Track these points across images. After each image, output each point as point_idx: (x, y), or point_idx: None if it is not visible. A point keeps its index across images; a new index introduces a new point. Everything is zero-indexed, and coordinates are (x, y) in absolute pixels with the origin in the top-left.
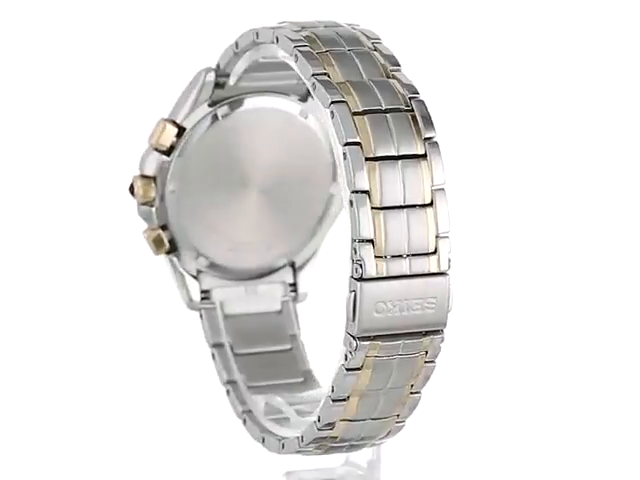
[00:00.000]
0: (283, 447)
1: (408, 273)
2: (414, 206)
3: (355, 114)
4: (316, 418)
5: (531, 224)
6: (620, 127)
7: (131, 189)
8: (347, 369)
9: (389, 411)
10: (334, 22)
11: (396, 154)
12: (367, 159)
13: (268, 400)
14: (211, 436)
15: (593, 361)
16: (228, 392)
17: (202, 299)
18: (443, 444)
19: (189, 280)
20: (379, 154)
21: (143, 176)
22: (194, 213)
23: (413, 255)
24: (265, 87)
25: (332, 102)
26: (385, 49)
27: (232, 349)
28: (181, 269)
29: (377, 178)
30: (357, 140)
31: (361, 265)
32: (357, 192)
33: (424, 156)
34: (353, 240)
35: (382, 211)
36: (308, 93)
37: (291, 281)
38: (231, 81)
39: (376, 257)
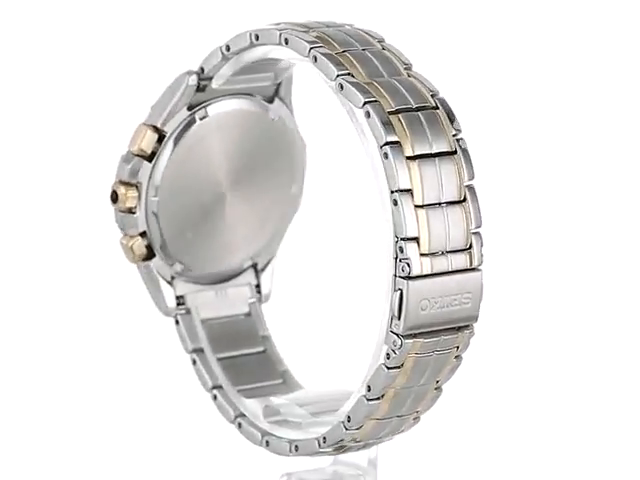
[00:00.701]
0: (296, 449)
1: (449, 269)
2: (451, 203)
3: (390, 113)
4: (344, 418)
5: (537, 221)
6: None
7: (114, 196)
8: (388, 367)
9: (413, 408)
10: (332, 22)
11: (432, 152)
12: (407, 158)
13: (268, 403)
14: (202, 442)
15: (608, 361)
16: (215, 397)
17: (177, 305)
18: (439, 442)
19: (164, 286)
20: (417, 152)
21: (126, 183)
22: (174, 219)
23: (452, 251)
24: (239, 89)
25: (366, 102)
26: (393, 48)
27: (214, 353)
28: (157, 275)
29: (418, 176)
30: (396, 139)
31: (408, 264)
32: (400, 191)
33: (454, 153)
34: (397, 239)
35: (424, 209)
36: (275, 94)
37: (255, 283)
38: (214, 84)
39: (421, 255)
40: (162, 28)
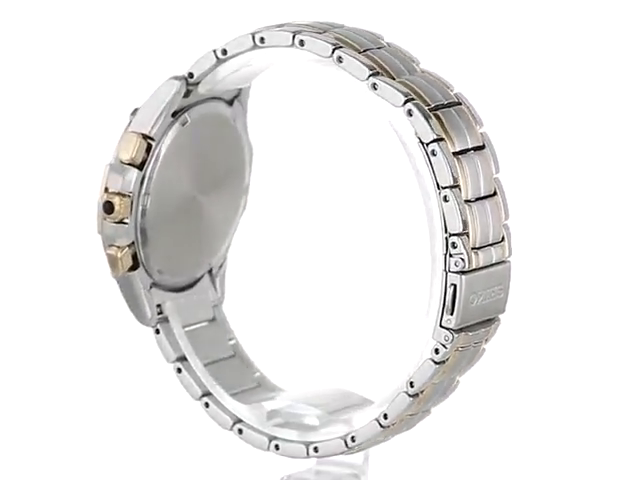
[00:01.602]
0: (316, 451)
1: (492, 262)
2: (488, 196)
3: (430, 110)
4: (379, 415)
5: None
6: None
7: (108, 207)
8: (436, 362)
9: (437, 402)
10: (331, 23)
11: (469, 147)
12: (453, 153)
13: (272, 405)
14: (191, 453)
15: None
16: (207, 405)
17: (157, 314)
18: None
19: (145, 296)
20: (459, 148)
21: (119, 193)
22: (157, 227)
23: (493, 244)
24: (213, 93)
25: (407, 100)
26: (399, 46)
27: (200, 360)
28: (139, 285)
29: (464, 172)
30: (442, 136)
31: (462, 258)
32: (450, 187)
33: (484, 147)
34: (448, 234)
35: (471, 204)
36: (235, 97)
37: (212, 287)
38: (201, 89)
39: (472, 249)
40: (135, 35)
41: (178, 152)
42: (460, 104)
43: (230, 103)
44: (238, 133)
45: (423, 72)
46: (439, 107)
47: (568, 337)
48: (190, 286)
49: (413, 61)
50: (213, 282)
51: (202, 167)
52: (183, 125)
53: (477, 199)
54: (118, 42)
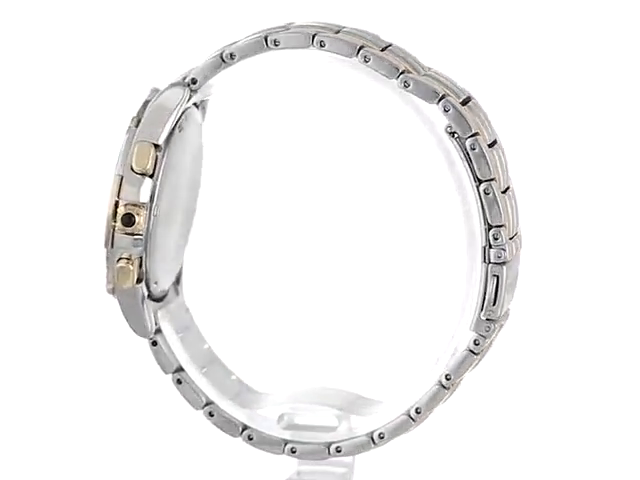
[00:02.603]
0: (338, 450)
1: (518, 251)
2: (509, 188)
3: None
4: (409, 410)
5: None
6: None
7: (127, 219)
8: (475, 353)
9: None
10: (333, 23)
11: (493, 140)
12: (488, 146)
13: (282, 410)
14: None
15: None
16: (211, 414)
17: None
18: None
19: (146, 308)
20: (489, 141)
21: (136, 205)
22: (159, 237)
23: (516, 235)
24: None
25: (442, 96)
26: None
27: (197, 369)
28: (141, 298)
29: (496, 164)
30: (478, 130)
31: (504, 249)
32: (489, 180)
33: (496, 140)
34: (489, 226)
35: (504, 195)
36: (201, 102)
37: (176, 294)
38: (200, 94)
39: (509, 239)
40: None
41: (173, 158)
42: (471, 99)
43: (197, 107)
44: (201, 136)
45: (430, 69)
46: (467, 101)
47: (562, 329)
48: (165, 295)
49: (417, 58)
50: (176, 289)
51: (181, 172)
52: (180, 132)
53: (507, 191)
54: (101, 52)
